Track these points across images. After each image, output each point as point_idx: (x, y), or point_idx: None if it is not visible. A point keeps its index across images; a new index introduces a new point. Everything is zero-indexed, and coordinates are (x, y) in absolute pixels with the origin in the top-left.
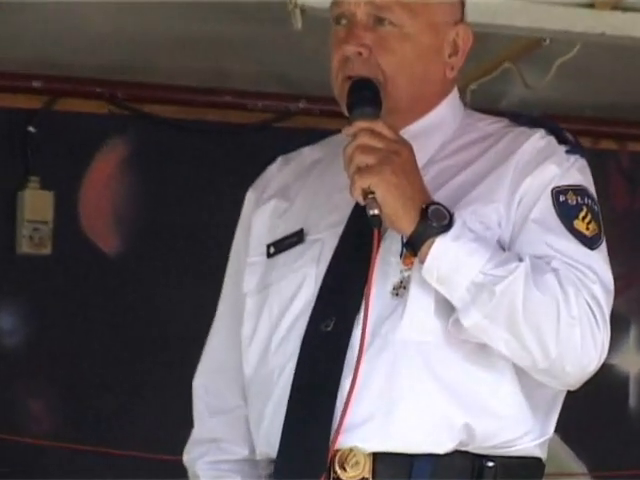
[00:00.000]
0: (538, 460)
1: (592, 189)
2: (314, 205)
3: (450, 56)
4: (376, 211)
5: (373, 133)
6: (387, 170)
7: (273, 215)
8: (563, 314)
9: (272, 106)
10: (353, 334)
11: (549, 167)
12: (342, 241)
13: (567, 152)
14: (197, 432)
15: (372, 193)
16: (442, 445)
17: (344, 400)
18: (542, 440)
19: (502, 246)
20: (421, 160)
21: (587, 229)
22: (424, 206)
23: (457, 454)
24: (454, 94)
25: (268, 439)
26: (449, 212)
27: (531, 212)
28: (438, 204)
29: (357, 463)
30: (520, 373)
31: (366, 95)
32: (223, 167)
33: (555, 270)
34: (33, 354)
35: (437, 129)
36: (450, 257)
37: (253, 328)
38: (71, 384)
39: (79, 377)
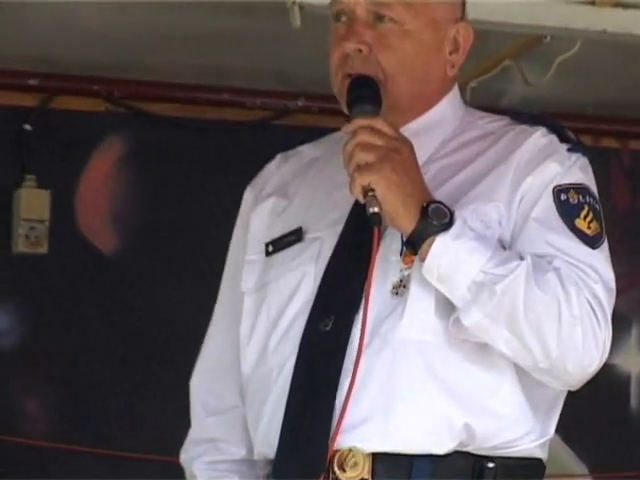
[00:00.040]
0: (539, 461)
1: (594, 188)
2: (313, 203)
3: (451, 53)
4: (376, 209)
5: (373, 130)
6: (387, 167)
7: (272, 213)
8: (564, 313)
9: (271, 104)
10: (352, 333)
11: (550, 165)
12: (341, 239)
13: (568, 150)
14: (194, 432)
15: (372, 191)
16: (442, 445)
17: (343, 400)
18: (543, 441)
19: (503, 245)
20: (421, 158)
21: (589, 228)
22: (424, 204)
23: (457, 454)
24: (454, 92)
25: (266, 439)
26: (450, 210)
27: (532, 211)
28: (439, 202)
29: (356, 464)
30: (521, 373)
31: (366, 93)
32: (221, 165)
33: (556, 269)
34: (29, 354)
35: (437, 127)
36: (451, 256)
37: (251, 327)
38: (67, 384)
39: (75, 377)
